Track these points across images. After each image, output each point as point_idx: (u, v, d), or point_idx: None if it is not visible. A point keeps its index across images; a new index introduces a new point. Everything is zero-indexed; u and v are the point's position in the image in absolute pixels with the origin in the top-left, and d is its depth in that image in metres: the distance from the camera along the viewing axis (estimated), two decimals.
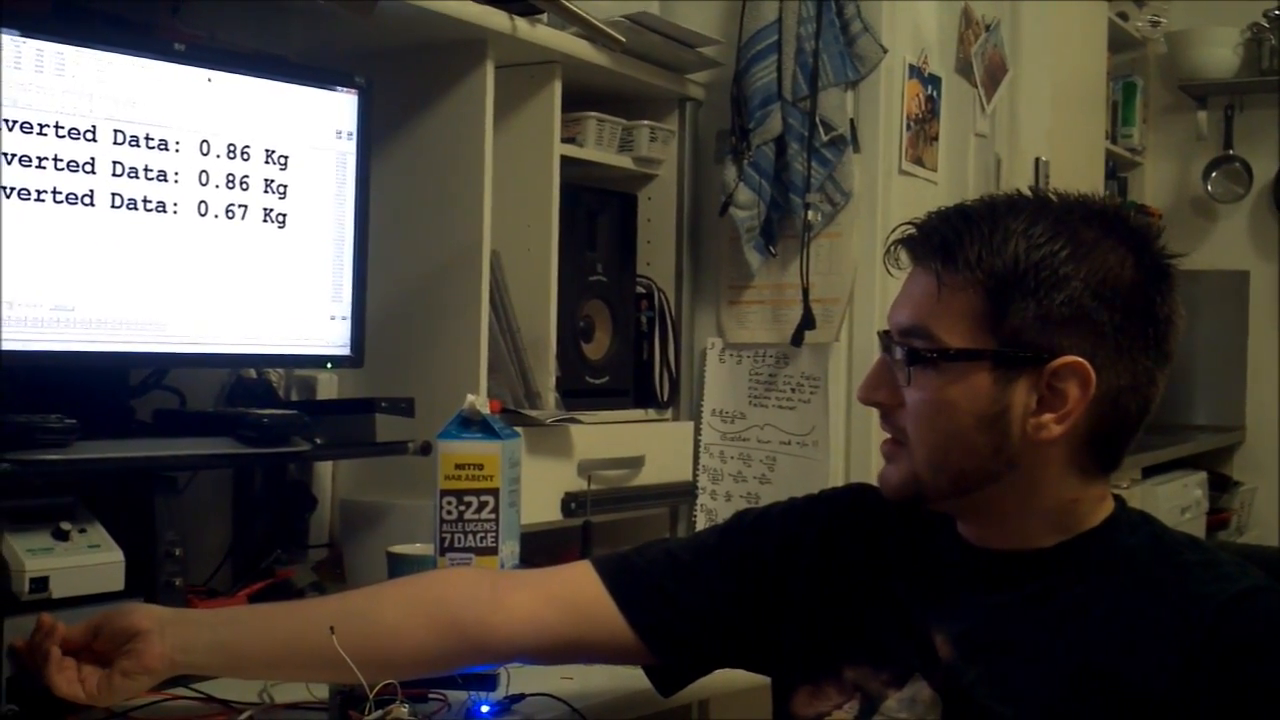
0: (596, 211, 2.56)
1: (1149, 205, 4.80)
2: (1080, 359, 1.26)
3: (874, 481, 1.41)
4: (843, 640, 1.39)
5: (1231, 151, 4.80)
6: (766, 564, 1.46)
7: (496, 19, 2.14)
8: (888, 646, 1.35)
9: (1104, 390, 1.27)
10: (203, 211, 1.78)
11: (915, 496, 1.35)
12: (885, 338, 1.35)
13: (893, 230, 1.36)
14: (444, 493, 1.66)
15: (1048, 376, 1.26)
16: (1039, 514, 1.32)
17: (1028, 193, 1.35)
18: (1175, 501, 4.02)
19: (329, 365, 2.04)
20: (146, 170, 1.71)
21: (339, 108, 1.95)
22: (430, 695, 1.56)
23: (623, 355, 2.60)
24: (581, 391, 2.47)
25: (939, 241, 1.30)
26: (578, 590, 1.47)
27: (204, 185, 1.78)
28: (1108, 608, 1.27)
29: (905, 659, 1.34)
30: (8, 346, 1.58)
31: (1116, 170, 4.72)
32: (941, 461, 1.31)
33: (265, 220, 1.86)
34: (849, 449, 2.56)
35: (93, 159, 1.65)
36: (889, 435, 1.36)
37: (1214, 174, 4.83)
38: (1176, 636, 1.23)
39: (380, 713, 1.38)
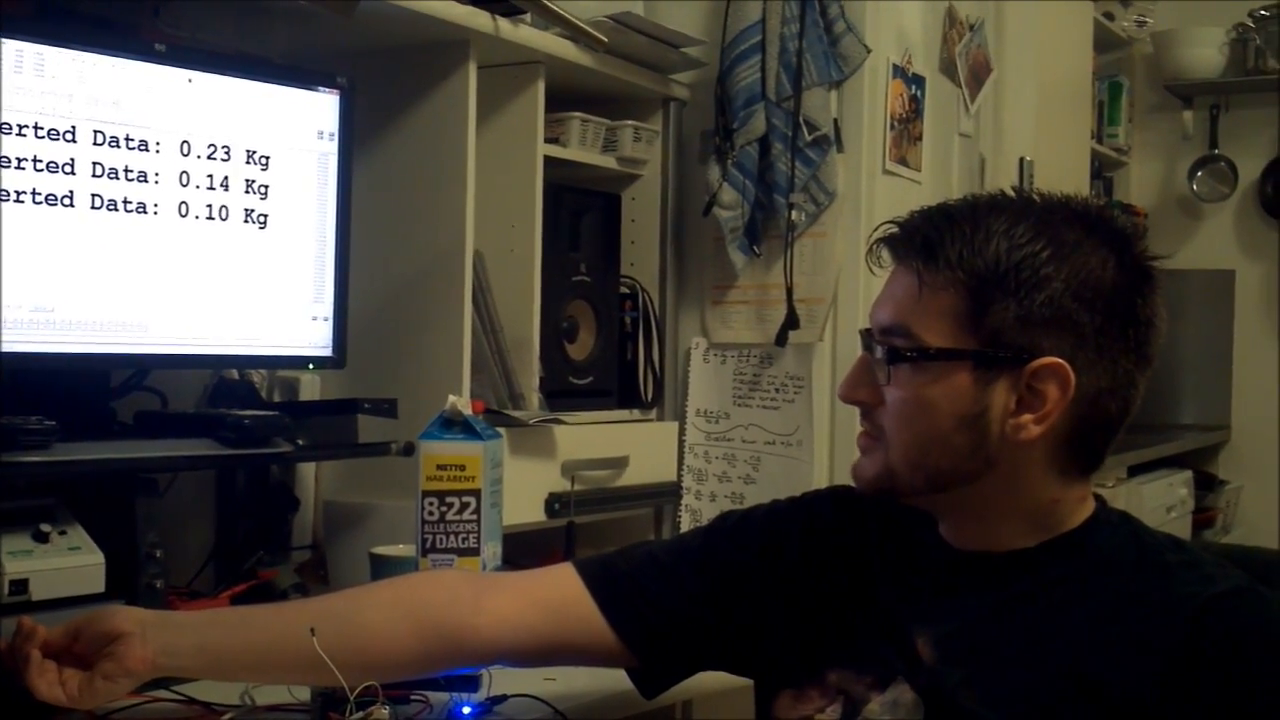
0: (580, 212, 2.55)
1: (1134, 205, 4.81)
2: (1060, 360, 1.26)
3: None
4: (825, 643, 1.39)
5: (1217, 151, 4.81)
6: (748, 567, 1.46)
7: (479, 19, 2.14)
8: (870, 649, 1.35)
9: (1084, 392, 1.27)
10: (183, 212, 1.77)
11: (888, 490, 1.35)
12: (866, 336, 1.35)
13: (875, 229, 1.36)
14: (425, 494, 1.66)
15: (1027, 377, 1.26)
16: (1019, 514, 1.32)
17: (1010, 193, 1.35)
18: (1161, 500, 4.02)
19: (311, 366, 2.04)
20: (127, 171, 1.71)
21: (321, 108, 1.95)
22: (412, 697, 1.56)
23: (607, 355, 2.60)
24: (565, 392, 2.47)
25: (921, 241, 1.30)
26: (560, 592, 1.47)
27: (185, 186, 1.77)
28: (1089, 609, 1.28)
29: (888, 662, 1.34)
30: None
31: (1102, 170, 4.73)
32: (919, 460, 1.30)
33: (247, 221, 1.85)
34: (833, 449, 2.57)
35: (72, 160, 1.65)
36: (865, 429, 1.36)
37: (1199, 173, 4.83)
38: (1157, 637, 1.23)
39: (361, 714, 1.38)
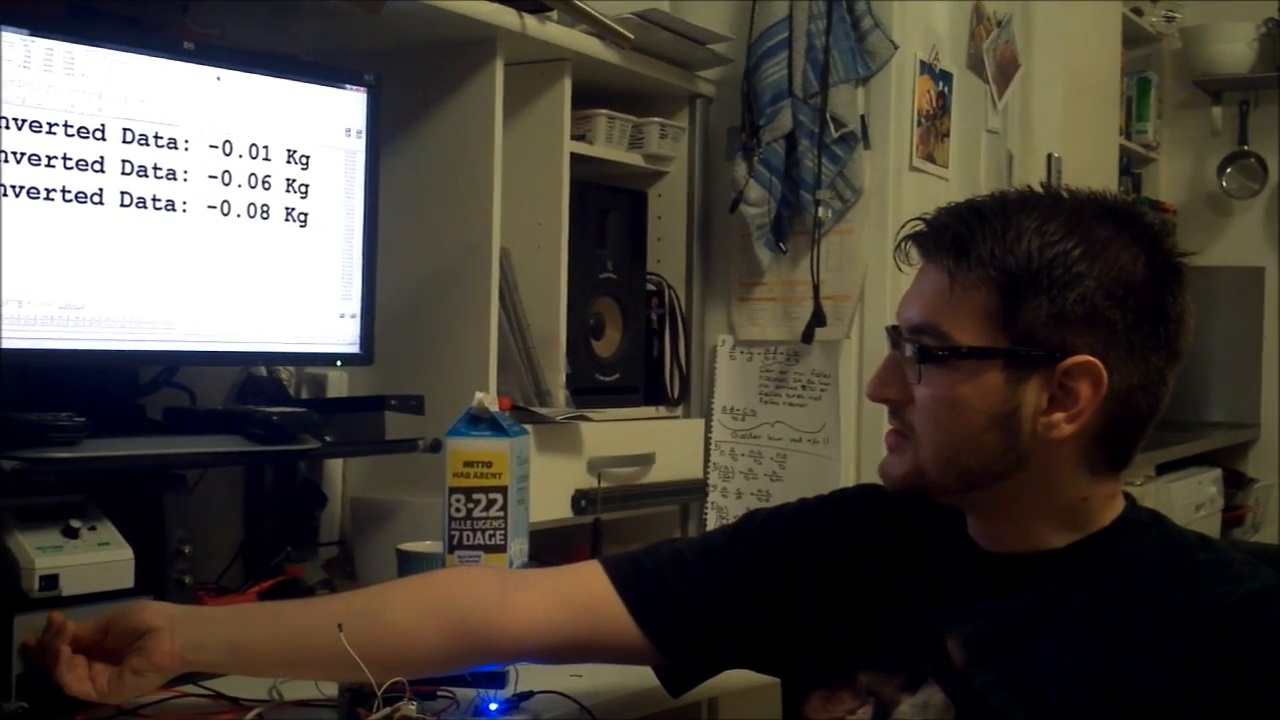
0: (606, 209, 2.55)
1: (1163, 201, 4.79)
2: (1092, 358, 1.25)
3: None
4: (855, 644, 1.38)
5: (1246, 147, 4.78)
6: (776, 566, 1.46)
7: (506, 17, 2.14)
8: (900, 651, 1.35)
9: (1115, 389, 1.26)
10: (212, 210, 1.78)
11: (918, 489, 1.34)
12: (894, 334, 1.34)
13: (903, 225, 1.35)
14: (452, 490, 1.66)
15: (1059, 376, 1.25)
16: (1049, 513, 1.31)
17: (1039, 189, 1.34)
18: (1190, 498, 4.00)
19: (339, 363, 2.05)
20: (156, 169, 1.71)
21: (349, 106, 1.95)
22: (439, 692, 1.56)
23: (633, 352, 2.60)
24: (592, 389, 2.47)
25: (951, 238, 1.29)
26: (587, 590, 1.47)
27: (213, 183, 1.77)
28: (1119, 609, 1.27)
29: (918, 664, 1.33)
30: (19, 344, 1.58)
31: (1131, 166, 4.70)
32: (950, 459, 1.30)
33: (275, 218, 1.85)
34: (860, 446, 2.56)
35: (102, 158, 1.65)
36: (894, 427, 1.36)
37: (1229, 169, 4.81)
38: (1187, 637, 1.23)
39: (388, 710, 1.38)
